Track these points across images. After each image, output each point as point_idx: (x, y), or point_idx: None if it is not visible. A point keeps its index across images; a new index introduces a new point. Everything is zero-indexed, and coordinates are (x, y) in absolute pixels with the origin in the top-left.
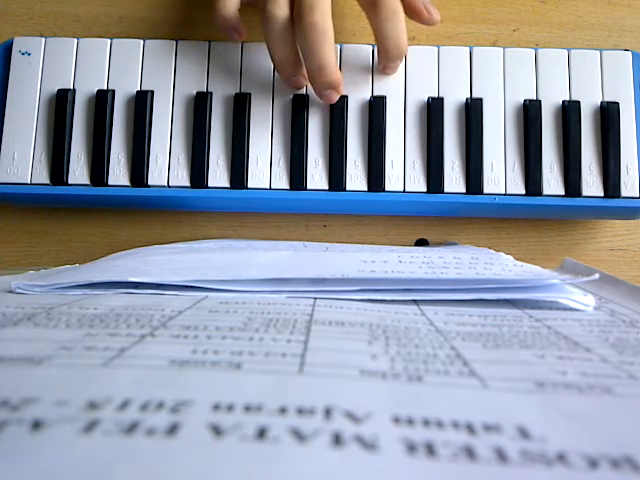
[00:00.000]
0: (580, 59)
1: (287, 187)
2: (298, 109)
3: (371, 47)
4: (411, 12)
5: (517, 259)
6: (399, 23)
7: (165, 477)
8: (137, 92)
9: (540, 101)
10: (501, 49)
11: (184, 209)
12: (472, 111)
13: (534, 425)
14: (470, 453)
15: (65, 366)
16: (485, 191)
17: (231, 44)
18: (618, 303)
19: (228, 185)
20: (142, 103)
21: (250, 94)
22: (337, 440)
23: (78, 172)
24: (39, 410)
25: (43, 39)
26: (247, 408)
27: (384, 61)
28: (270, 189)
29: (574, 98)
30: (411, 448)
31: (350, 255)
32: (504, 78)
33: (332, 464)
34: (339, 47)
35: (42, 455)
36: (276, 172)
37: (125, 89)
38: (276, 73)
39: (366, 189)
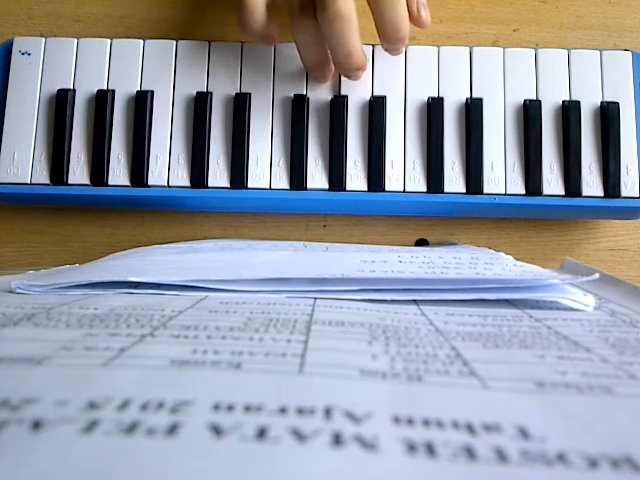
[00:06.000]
0: (580, 59)
1: (287, 187)
2: (298, 109)
3: (371, 47)
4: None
5: (517, 259)
6: (397, 6)
7: (165, 477)
8: (137, 92)
9: (540, 101)
10: (501, 49)
11: (184, 209)
12: (472, 111)
13: (534, 425)
14: (470, 453)
15: (65, 366)
16: (485, 191)
17: (231, 44)
18: (618, 303)
19: (228, 185)
20: (142, 103)
21: (250, 94)
22: (337, 440)
23: (78, 172)
24: (39, 410)
25: (43, 39)
26: (247, 408)
27: (384, 44)
28: (270, 189)
29: (574, 98)
30: (411, 448)
31: (350, 255)
32: (504, 78)
33: (332, 464)
34: None
35: (42, 455)
36: (276, 172)
37: (125, 89)
38: (276, 72)
39: (366, 189)
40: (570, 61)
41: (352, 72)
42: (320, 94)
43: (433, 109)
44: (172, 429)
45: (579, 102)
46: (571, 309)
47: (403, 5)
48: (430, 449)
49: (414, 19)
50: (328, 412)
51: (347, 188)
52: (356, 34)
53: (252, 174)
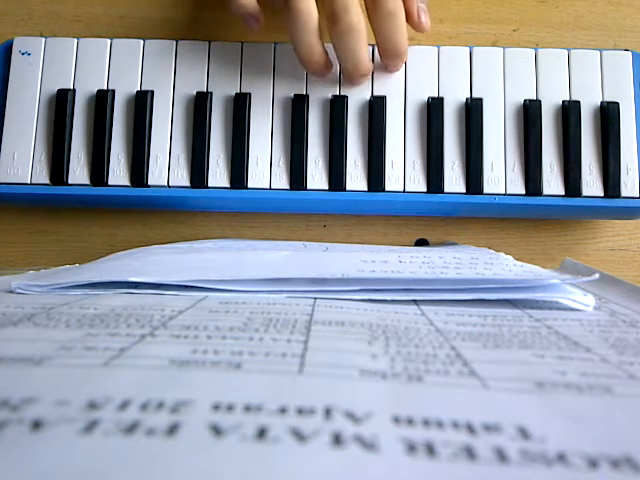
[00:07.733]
0: (580, 59)
1: (287, 187)
2: (298, 109)
3: (370, 47)
4: (405, 13)
5: (517, 259)
6: (397, 24)
7: (165, 477)
8: (137, 92)
9: (540, 101)
10: (501, 49)
11: (184, 209)
12: (472, 111)
13: (534, 425)
14: (470, 453)
15: (65, 366)
16: (485, 191)
17: (231, 44)
18: (618, 303)
19: (228, 185)
20: (142, 103)
21: (250, 94)
22: (337, 440)
23: (78, 172)
24: (39, 410)
25: (43, 39)
26: (247, 408)
27: (384, 60)
28: (270, 189)
29: (574, 98)
30: (411, 448)
31: (350, 255)
32: (504, 78)
33: (332, 464)
34: None
35: (42, 455)
36: (276, 172)
37: (125, 89)
38: (276, 72)
39: (366, 189)
40: (570, 61)
41: (359, 78)
42: (320, 94)
43: (433, 109)
44: (172, 429)
45: (579, 102)
46: (571, 309)
47: (402, 22)
48: (430, 449)
49: (414, 24)
50: (328, 412)
51: (347, 188)
52: (365, 43)
53: (252, 174)
